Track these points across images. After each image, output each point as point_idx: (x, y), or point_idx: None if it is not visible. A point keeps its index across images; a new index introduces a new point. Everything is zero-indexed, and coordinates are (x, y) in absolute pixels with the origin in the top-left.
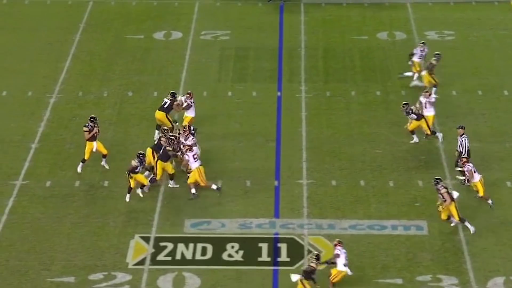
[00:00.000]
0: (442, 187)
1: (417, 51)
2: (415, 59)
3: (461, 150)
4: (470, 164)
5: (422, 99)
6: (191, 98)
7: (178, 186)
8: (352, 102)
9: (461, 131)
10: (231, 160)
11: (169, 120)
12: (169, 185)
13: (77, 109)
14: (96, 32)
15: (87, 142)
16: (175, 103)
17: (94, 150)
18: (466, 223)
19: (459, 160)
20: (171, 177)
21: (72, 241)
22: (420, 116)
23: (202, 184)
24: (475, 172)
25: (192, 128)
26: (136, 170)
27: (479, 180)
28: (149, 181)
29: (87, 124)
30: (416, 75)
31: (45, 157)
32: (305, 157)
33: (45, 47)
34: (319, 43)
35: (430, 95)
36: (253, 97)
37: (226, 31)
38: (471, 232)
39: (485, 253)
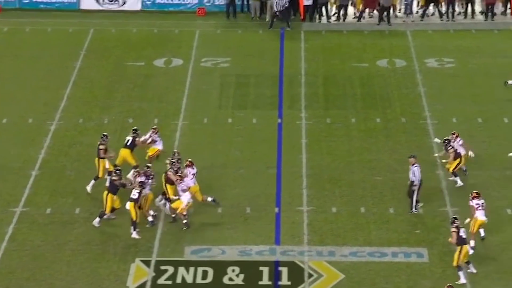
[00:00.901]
0: (454, 226)
1: None
2: None
3: (413, 179)
4: (480, 202)
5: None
6: (156, 133)
7: (114, 217)
8: (353, 129)
9: (412, 160)
10: (232, 187)
11: (133, 157)
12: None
13: (77, 136)
14: (97, 59)
15: (100, 160)
16: (137, 139)
17: (107, 167)
18: (470, 266)
19: (411, 190)
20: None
21: (72, 268)
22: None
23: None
24: (479, 210)
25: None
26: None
27: (484, 221)
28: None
29: (102, 142)
30: None
31: (46, 184)
32: (306, 184)
33: (46, 74)
34: (320, 70)
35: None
36: (253, 124)
37: (227, 58)
38: (474, 271)
39: (486, 280)
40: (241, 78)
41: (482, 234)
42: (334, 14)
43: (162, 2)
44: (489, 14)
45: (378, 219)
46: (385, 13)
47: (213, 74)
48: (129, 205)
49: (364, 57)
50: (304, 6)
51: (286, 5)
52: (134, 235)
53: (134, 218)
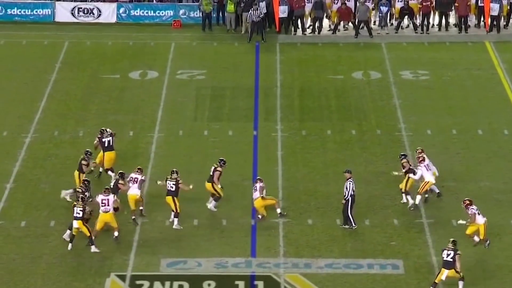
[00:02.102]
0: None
1: None
2: None
3: (345, 194)
4: (474, 207)
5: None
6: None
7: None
8: (328, 141)
9: (347, 175)
10: (208, 199)
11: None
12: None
13: (52, 149)
14: (72, 72)
15: (81, 174)
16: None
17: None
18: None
19: (344, 205)
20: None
21: (47, 282)
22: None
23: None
24: (478, 214)
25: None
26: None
27: (484, 223)
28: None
29: (85, 158)
30: None
31: (20, 197)
32: (281, 196)
33: (21, 87)
34: (295, 82)
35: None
36: (229, 136)
37: (202, 71)
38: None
39: None
40: (216, 90)
41: (476, 239)
42: (309, 27)
43: (138, 14)
44: (463, 26)
45: (353, 231)
46: (364, 26)
47: (189, 87)
48: (77, 224)
49: (339, 69)
50: (279, 18)
51: (262, 16)
52: (93, 249)
53: (87, 234)
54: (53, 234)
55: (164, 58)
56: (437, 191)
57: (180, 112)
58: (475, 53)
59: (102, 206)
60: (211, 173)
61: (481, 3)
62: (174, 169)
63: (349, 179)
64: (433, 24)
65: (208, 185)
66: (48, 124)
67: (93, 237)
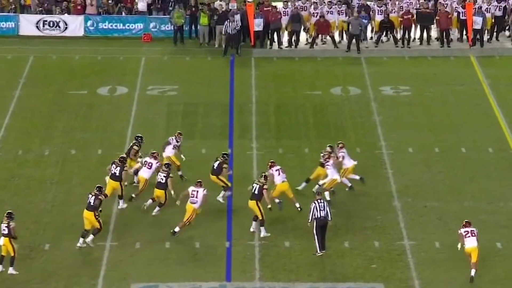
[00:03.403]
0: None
1: None
2: None
3: (309, 217)
4: (464, 228)
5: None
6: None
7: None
8: (306, 159)
9: (316, 196)
10: (180, 220)
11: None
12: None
13: (16, 169)
14: (37, 88)
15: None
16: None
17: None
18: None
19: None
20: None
21: None
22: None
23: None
24: (467, 236)
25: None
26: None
27: (473, 247)
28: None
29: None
30: None
31: None
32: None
33: None
34: (271, 98)
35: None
36: (202, 154)
37: (174, 86)
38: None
39: None
40: (189, 106)
41: (472, 273)
42: (286, 40)
43: (106, 27)
44: (445, 40)
45: (332, 253)
46: (354, 40)
47: (160, 103)
48: (3, 241)
49: (317, 84)
50: (255, 31)
51: (237, 28)
52: (11, 271)
53: (12, 254)
54: (17, 258)
55: (134, 73)
56: (349, 184)
57: (151, 129)
58: (458, 68)
59: (191, 197)
60: (215, 167)
61: (463, 16)
62: (167, 162)
63: (315, 201)
64: (414, 38)
65: (213, 178)
66: (12, 142)
67: (15, 258)
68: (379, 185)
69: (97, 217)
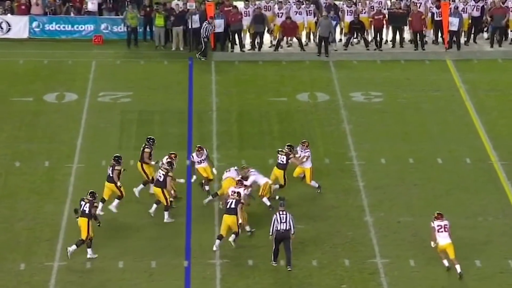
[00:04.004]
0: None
1: None
2: None
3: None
4: (437, 222)
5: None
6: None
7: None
8: (270, 171)
9: (279, 207)
10: (135, 238)
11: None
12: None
13: None
14: None
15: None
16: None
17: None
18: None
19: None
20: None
21: None
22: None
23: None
24: (441, 231)
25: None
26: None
27: (448, 244)
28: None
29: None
30: None
31: None
32: (217, 232)
33: None
34: (233, 105)
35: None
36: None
37: (128, 92)
38: None
39: None
40: (144, 114)
41: (458, 270)
42: (248, 43)
43: (53, 29)
44: (419, 43)
45: (299, 273)
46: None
47: (113, 111)
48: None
49: (282, 90)
50: (215, 33)
51: (219, 30)
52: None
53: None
54: None
55: (84, 78)
56: (317, 185)
57: (103, 139)
58: (434, 73)
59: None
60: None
61: (438, 17)
62: (168, 157)
63: (276, 213)
64: (386, 40)
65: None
66: None
67: None
68: (350, 198)
69: (89, 226)
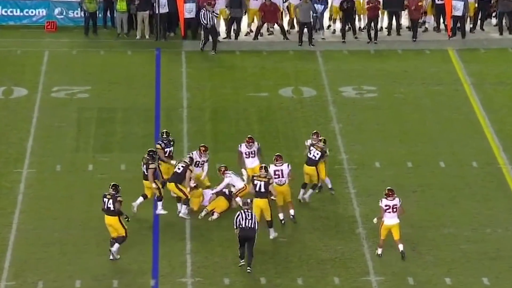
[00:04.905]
0: None
1: None
2: None
3: None
4: (391, 200)
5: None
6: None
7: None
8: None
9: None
10: (94, 253)
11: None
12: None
13: None
14: None
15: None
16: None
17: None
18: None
19: None
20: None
21: None
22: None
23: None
24: (389, 212)
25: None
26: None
27: (395, 224)
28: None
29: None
30: None
31: None
32: (190, 248)
33: None
34: (206, 101)
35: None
36: (121, 171)
37: (86, 87)
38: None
39: None
40: (104, 112)
41: (401, 248)
42: (223, 30)
43: None
44: (418, 29)
45: None
46: (306, 30)
47: (68, 108)
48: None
49: (263, 84)
50: (185, 19)
51: (191, 15)
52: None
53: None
54: None
55: (35, 70)
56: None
57: (57, 141)
58: (434, 64)
59: (275, 178)
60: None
61: (439, 0)
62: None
63: (241, 210)
64: (381, 27)
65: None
66: None
67: None
68: (340, 208)
69: (121, 222)
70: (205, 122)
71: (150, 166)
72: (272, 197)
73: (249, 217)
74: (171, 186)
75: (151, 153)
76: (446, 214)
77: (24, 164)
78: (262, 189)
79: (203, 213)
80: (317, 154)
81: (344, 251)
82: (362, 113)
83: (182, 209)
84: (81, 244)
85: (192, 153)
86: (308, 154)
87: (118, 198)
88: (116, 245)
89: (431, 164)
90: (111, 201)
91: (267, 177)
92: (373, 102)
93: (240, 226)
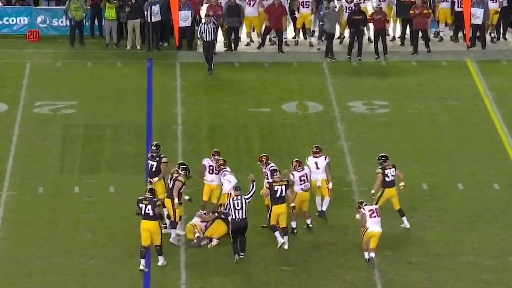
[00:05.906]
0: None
1: None
2: None
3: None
4: (368, 208)
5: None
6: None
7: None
8: None
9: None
10: (78, 283)
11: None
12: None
13: None
14: None
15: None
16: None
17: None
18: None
19: None
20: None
21: None
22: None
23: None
24: (372, 217)
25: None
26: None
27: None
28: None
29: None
30: None
31: None
32: (185, 278)
33: None
34: (203, 118)
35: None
36: (110, 194)
37: (71, 102)
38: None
39: None
40: (92, 129)
41: (372, 255)
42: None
43: None
44: (425, 42)
45: None
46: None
47: (52, 124)
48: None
49: (264, 99)
50: (180, 28)
51: (186, 24)
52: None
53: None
54: None
55: (15, 84)
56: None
57: (40, 160)
58: (452, 77)
59: (300, 184)
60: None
61: (458, 7)
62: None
63: (230, 199)
64: (393, 37)
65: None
66: None
67: None
68: (348, 234)
69: (160, 227)
70: (202, 140)
71: (179, 179)
72: (292, 204)
73: (239, 207)
74: (167, 202)
75: (183, 166)
76: (465, 241)
77: (4, 186)
78: (283, 194)
79: (195, 241)
80: (393, 172)
81: (353, 281)
82: (373, 130)
83: (172, 233)
84: (65, 273)
85: (204, 160)
86: (386, 175)
87: (157, 203)
88: (162, 258)
89: (448, 186)
90: (149, 206)
91: (284, 179)
92: (385, 119)
93: (232, 219)
